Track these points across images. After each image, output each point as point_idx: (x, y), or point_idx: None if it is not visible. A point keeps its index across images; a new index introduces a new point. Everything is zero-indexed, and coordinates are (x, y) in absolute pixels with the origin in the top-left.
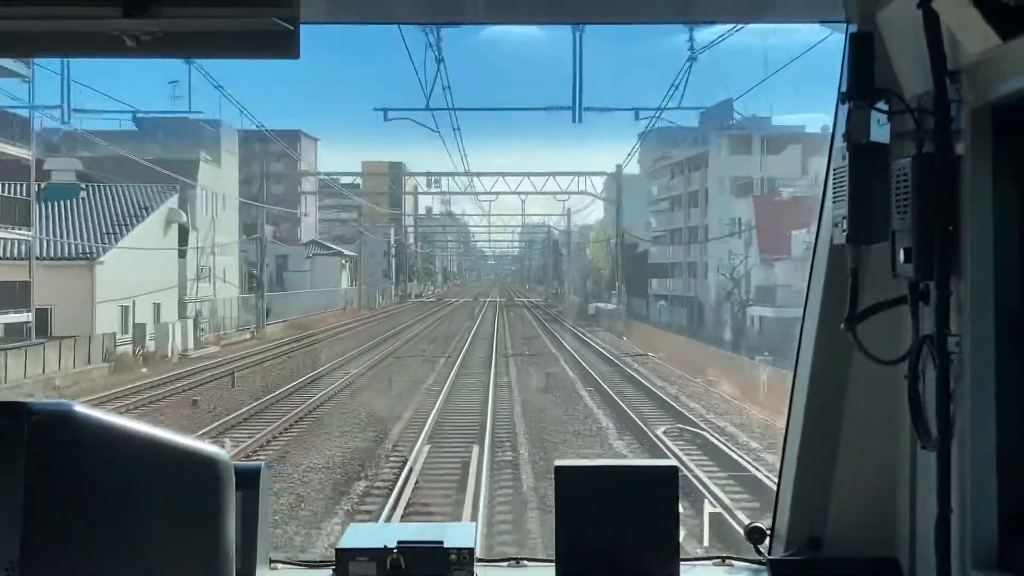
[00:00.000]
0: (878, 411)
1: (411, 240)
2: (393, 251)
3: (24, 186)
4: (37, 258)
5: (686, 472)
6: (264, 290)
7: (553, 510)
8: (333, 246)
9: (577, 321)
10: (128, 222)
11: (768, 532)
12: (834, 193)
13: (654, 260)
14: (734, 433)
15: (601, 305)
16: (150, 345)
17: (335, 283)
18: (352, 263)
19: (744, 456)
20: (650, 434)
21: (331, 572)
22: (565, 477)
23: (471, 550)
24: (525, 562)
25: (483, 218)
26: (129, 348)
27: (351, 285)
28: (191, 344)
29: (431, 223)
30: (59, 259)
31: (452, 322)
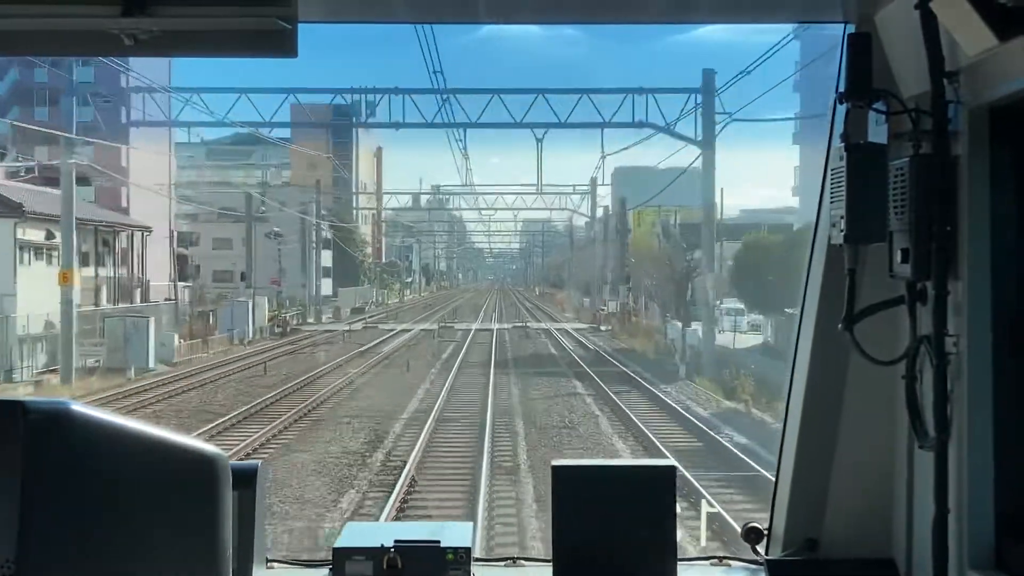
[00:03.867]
0: (875, 411)
1: (375, 226)
2: (307, 236)
3: None
4: None
5: None
6: None
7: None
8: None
9: None
10: None
11: (765, 532)
12: (832, 193)
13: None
14: None
15: None
16: None
17: None
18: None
19: None
20: None
21: (328, 571)
22: (562, 476)
23: (468, 550)
24: (522, 562)
25: (480, 208)
26: None
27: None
28: None
29: (417, 215)
30: None
31: None
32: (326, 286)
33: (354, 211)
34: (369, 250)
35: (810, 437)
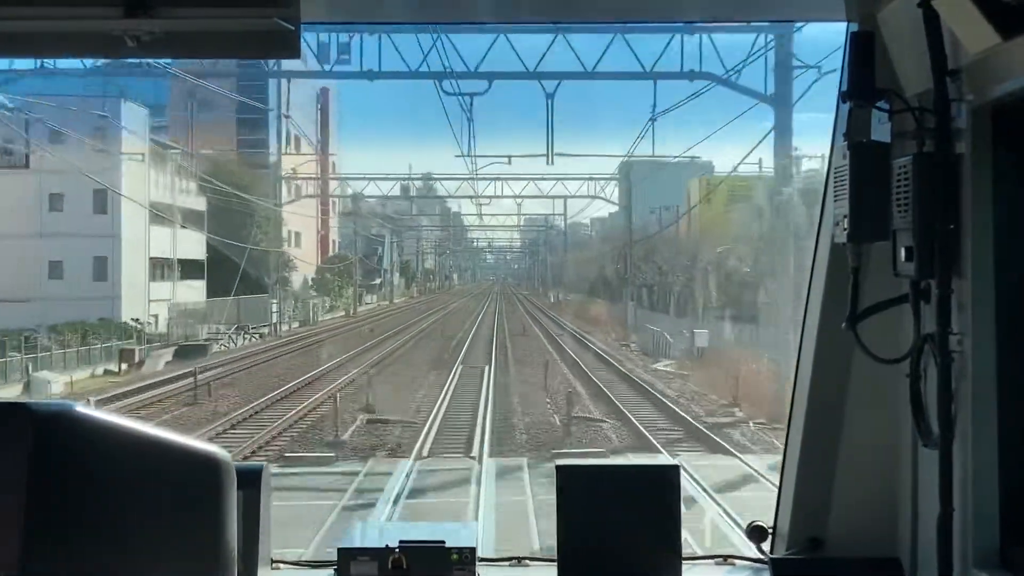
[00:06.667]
0: (879, 410)
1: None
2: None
3: None
4: None
5: None
6: None
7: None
8: None
9: None
10: None
11: (770, 531)
12: (835, 192)
13: None
14: None
15: None
16: None
17: None
18: None
19: None
20: None
21: (333, 572)
22: (567, 477)
23: (472, 550)
24: (527, 561)
25: (480, 208)
26: None
27: None
28: None
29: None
30: None
31: None
32: (194, 292)
33: (277, 177)
34: (277, 233)
35: (814, 436)
